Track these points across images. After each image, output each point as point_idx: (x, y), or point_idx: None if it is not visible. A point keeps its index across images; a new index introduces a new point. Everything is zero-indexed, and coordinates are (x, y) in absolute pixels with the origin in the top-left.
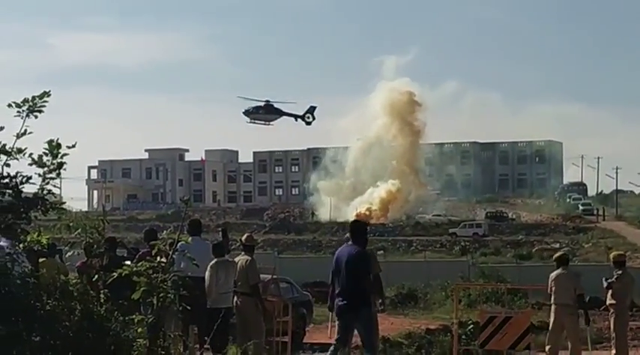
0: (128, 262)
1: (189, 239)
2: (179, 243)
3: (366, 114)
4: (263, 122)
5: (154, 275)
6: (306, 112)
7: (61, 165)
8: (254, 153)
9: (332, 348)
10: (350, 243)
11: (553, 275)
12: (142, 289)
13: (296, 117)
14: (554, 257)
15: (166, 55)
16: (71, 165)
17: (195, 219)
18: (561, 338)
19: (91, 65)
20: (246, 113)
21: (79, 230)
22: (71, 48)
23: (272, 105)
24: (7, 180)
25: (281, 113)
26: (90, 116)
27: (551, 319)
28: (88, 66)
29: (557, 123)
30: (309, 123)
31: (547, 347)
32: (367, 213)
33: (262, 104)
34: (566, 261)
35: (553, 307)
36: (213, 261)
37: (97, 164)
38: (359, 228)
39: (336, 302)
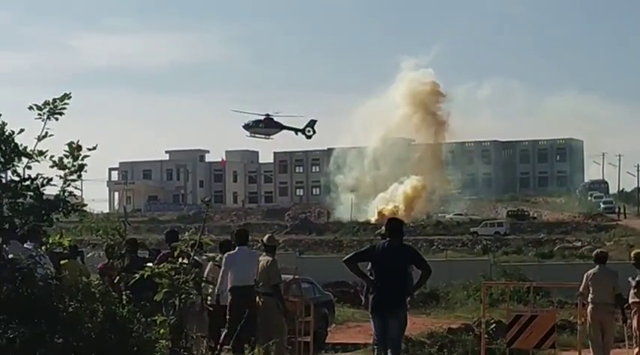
0: (150, 264)
1: (236, 249)
2: (226, 254)
3: (385, 105)
4: (263, 136)
5: (176, 276)
6: (307, 126)
7: (81, 167)
8: (274, 153)
9: (375, 353)
10: (387, 239)
11: (590, 273)
12: (164, 290)
13: (296, 130)
14: (593, 254)
15: (187, 56)
16: (92, 167)
17: (242, 229)
18: (601, 336)
19: (112, 67)
20: (246, 127)
21: (101, 232)
22: (93, 50)
23: (272, 119)
24: (28, 183)
25: (281, 127)
26: (111, 118)
27: (589, 318)
28: (109, 68)
29: (579, 120)
30: (309, 137)
31: (592, 345)
32: (395, 210)
33: (262, 118)
34: (605, 258)
35: (590, 305)
36: (218, 258)
37: (117, 166)
38: (396, 225)
39: (373, 298)
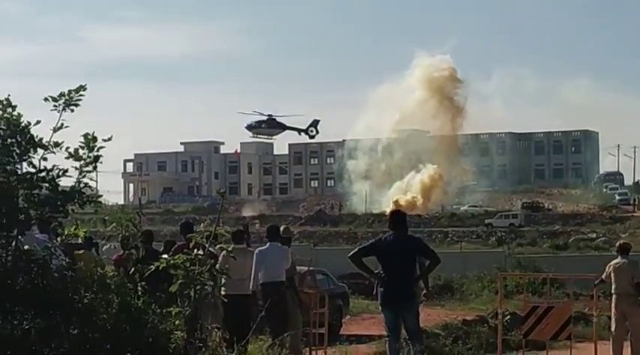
0: (165, 256)
1: (267, 245)
2: (257, 250)
3: (401, 90)
4: (266, 136)
5: (191, 267)
6: (310, 126)
7: (97, 158)
8: (289, 145)
9: (388, 345)
10: (392, 232)
11: (612, 263)
12: (179, 282)
13: (299, 130)
14: (616, 245)
15: (200, 48)
16: (107, 159)
17: (273, 225)
18: (625, 328)
19: (125, 58)
20: (249, 128)
21: (115, 223)
22: (105, 41)
23: (274, 120)
24: (44, 174)
25: (284, 127)
26: (125, 109)
27: (613, 309)
28: (122, 59)
29: (594, 112)
30: (312, 137)
31: (612, 338)
32: (414, 201)
33: (265, 118)
34: (628, 250)
35: (614, 297)
36: (229, 248)
37: (132, 157)
38: (400, 217)
39: (384, 291)
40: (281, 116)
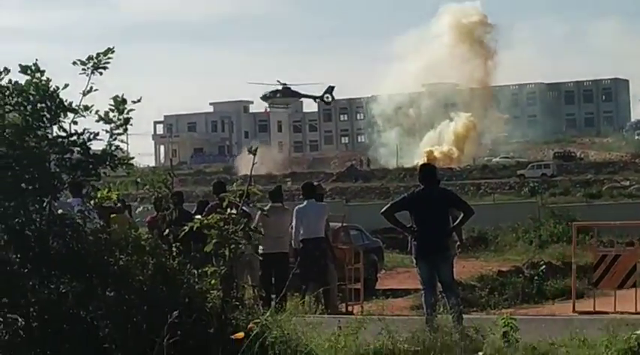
0: (198, 216)
1: (305, 202)
2: (296, 207)
3: (428, 38)
4: (282, 105)
5: (225, 227)
6: (325, 93)
7: (127, 120)
8: (319, 102)
9: (423, 298)
10: (423, 186)
11: None
12: (213, 241)
13: (315, 98)
14: None
15: (230, 8)
16: (137, 121)
17: (308, 182)
18: None
19: (156, 20)
20: (264, 98)
21: (147, 185)
22: (134, 3)
23: (289, 88)
24: (74, 138)
25: (299, 95)
26: (154, 71)
27: None
28: (152, 21)
29: (623, 59)
30: (328, 103)
31: None
32: (449, 153)
33: (280, 88)
34: None
35: None
36: (267, 206)
37: (162, 119)
38: (430, 170)
39: (418, 244)
40: (296, 85)
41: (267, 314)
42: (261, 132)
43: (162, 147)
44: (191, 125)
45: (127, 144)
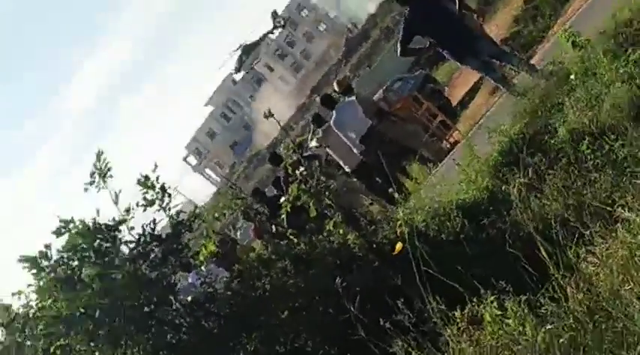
0: (282, 198)
1: (333, 113)
2: (331, 121)
3: None
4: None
5: (306, 186)
6: (273, 19)
7: (163, 188)
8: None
9: (491, 80)
10: (409, 7)
11: None
12: (312, 204)
13: (270, 32)
14: None
15: None
16: (166, 174)
17: (324, 96)
18: None
19: None
20: (238, 70)
21: (225, 211)
22: None
23: (247, 44)
24: (148, 233)
25: (259, 41)
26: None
27: None
28: None
29: None
30: (283, 26)
31: None
32: None
33: (239, 52)
34: None
35: None
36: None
37: (186, 153)
38: None
39: (447, 48)
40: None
41: (399, 209)
42: (261, 86)
43: (207, 170)
44: (209, 133)
45: (184, 195)
